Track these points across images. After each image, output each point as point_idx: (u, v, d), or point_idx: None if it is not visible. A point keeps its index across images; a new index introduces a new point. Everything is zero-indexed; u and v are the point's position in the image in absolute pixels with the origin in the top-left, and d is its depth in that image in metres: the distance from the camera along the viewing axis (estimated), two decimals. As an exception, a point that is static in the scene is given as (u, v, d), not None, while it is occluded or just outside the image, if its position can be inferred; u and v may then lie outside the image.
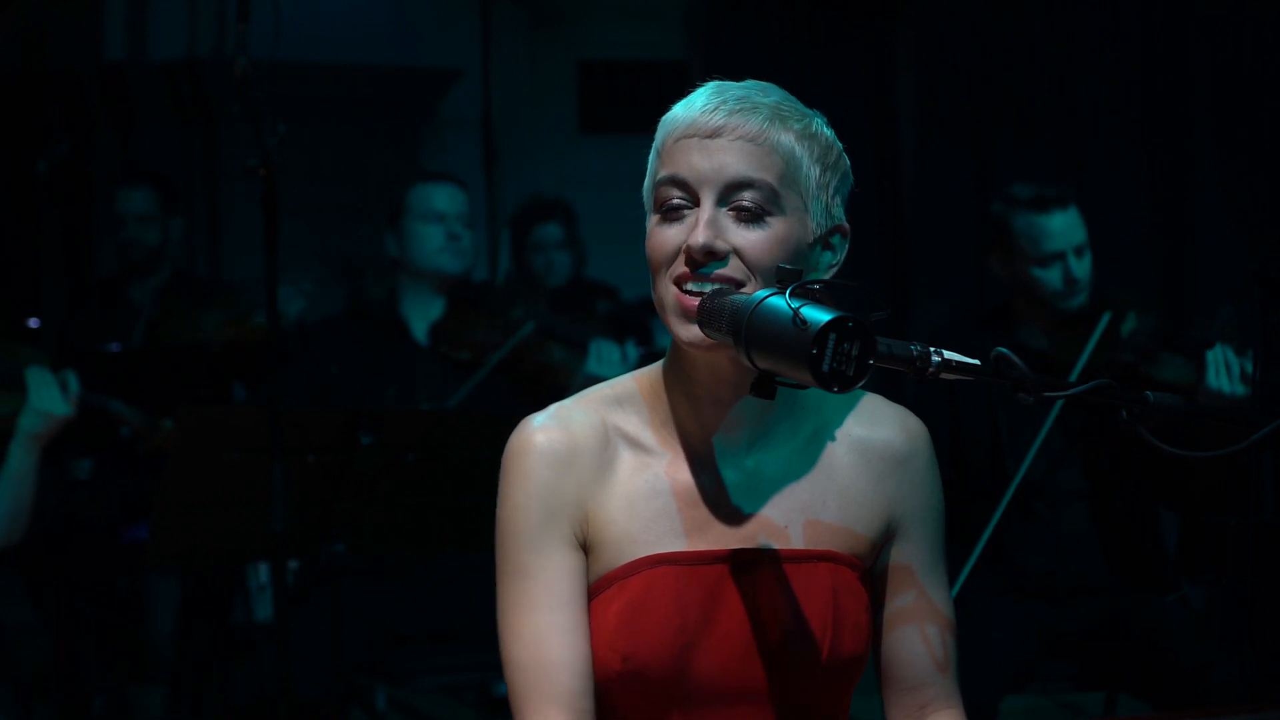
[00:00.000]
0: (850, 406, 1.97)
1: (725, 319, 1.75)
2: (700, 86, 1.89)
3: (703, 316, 1.79)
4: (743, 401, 1.89)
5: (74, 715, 4.53)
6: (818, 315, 1.65)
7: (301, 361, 4.19)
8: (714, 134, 1.83)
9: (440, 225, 4.27)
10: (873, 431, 1.97)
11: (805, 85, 7.14)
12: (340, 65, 6.77)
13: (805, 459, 1.94)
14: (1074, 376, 3.77)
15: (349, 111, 6.80)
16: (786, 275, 1.72)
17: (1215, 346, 3.84)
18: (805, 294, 1.70)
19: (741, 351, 1.72)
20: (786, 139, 1.85)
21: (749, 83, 1.90)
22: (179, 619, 4.78)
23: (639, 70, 7.72)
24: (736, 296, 1.77)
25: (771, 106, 1.86)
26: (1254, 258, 3.09)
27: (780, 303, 1.69)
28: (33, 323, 4.53)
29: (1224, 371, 3.81)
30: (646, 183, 1.90)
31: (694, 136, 1.84)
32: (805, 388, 1.69)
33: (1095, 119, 6.59)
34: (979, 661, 3.71)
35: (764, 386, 1.75)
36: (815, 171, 1.87)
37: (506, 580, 1.90)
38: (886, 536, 1.96)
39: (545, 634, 1.86)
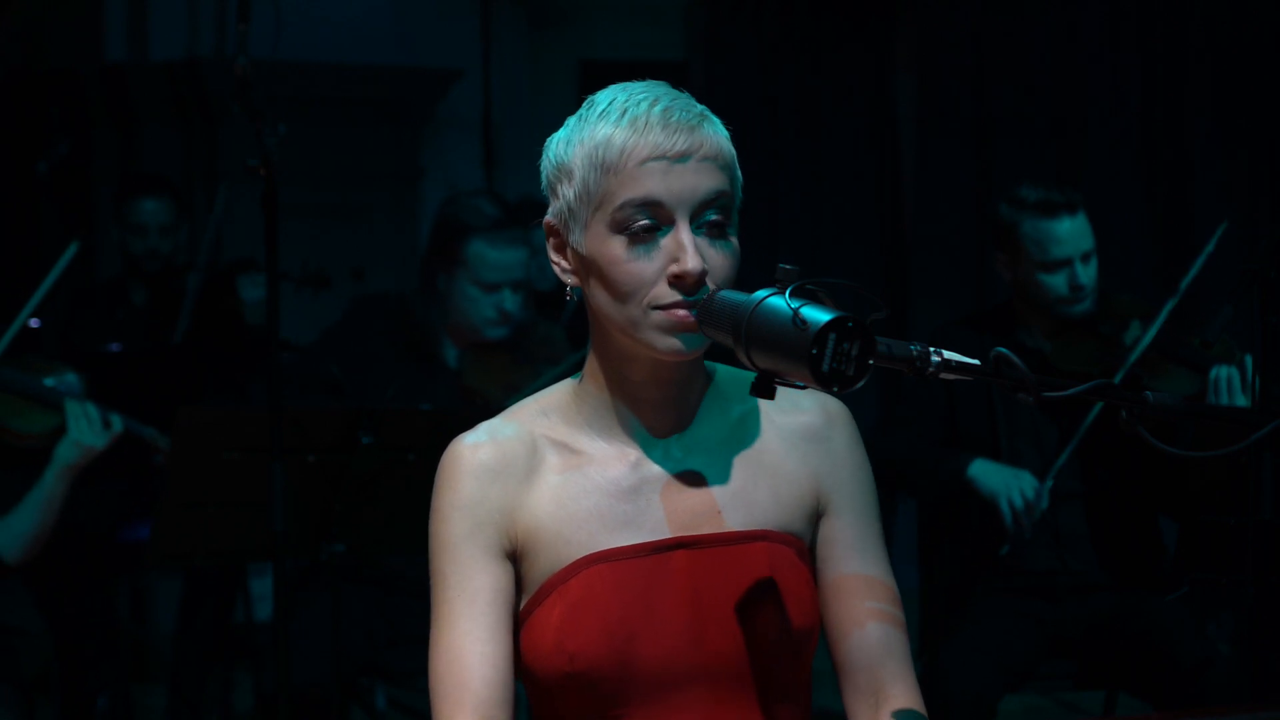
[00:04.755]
0: None
1: (725, 319, 1.76)
2: (607, 98, 1.88)
3: (702, 316, 1.80)
4: (672, 395, 1.93)
5: (76, 715, 4.53)
6: (817, 315, 1.65)
7: (306, 358, 4.16)
8: (682, 156, 1.84)
9: (493, 297, 4.08)
10: (793, 415, 2.00)
11: (805, 85, 7.17)
12: (340, 65, 6.76)
13: (733, 443, 1.96)
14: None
15: (349, 111, 6.79)
16: (786, 275, 1.72)
17: (1219, 366, 3.84)
18: (805, 294, 1.71)
19: (741, 351, 1.73)
20: (727, 145, 1.89)
21: (654, 85, 1.90)
22: (180, 619, 4.79)
23: (639, 70, 7.67)
24: (736, 296, 1.78)
25: (702, 112, 1.88)
26: (1253, 258, 3.09)
27: (780, 303, 1.69)
28: (33, 323, 4.53)
29: (1225, 390, 3.81)
30: (579, 199, 1.88)
31: (662, 159, 1.84)
32: (805, 387, 1.70)
33: (1095, 119, 6.60)
34: (979, 660, 3.72)
35: (763, 387, 1.75)
36: (739, 172, 1.91)
37: (433, 591, 1.93)
38: (817, 513, 1.98)
39: (461, 642, 1.88)
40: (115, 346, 5.02)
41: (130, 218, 5.30)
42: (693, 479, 1.94)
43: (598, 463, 1.93)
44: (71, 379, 4.12)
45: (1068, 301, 3.94)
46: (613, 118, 1.87)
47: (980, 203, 6.63)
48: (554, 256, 1.95)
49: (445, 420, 3.70)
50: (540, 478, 1.92)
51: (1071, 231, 3.92)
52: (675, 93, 1.89)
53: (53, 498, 3.98)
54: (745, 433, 1.97)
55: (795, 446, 1.98)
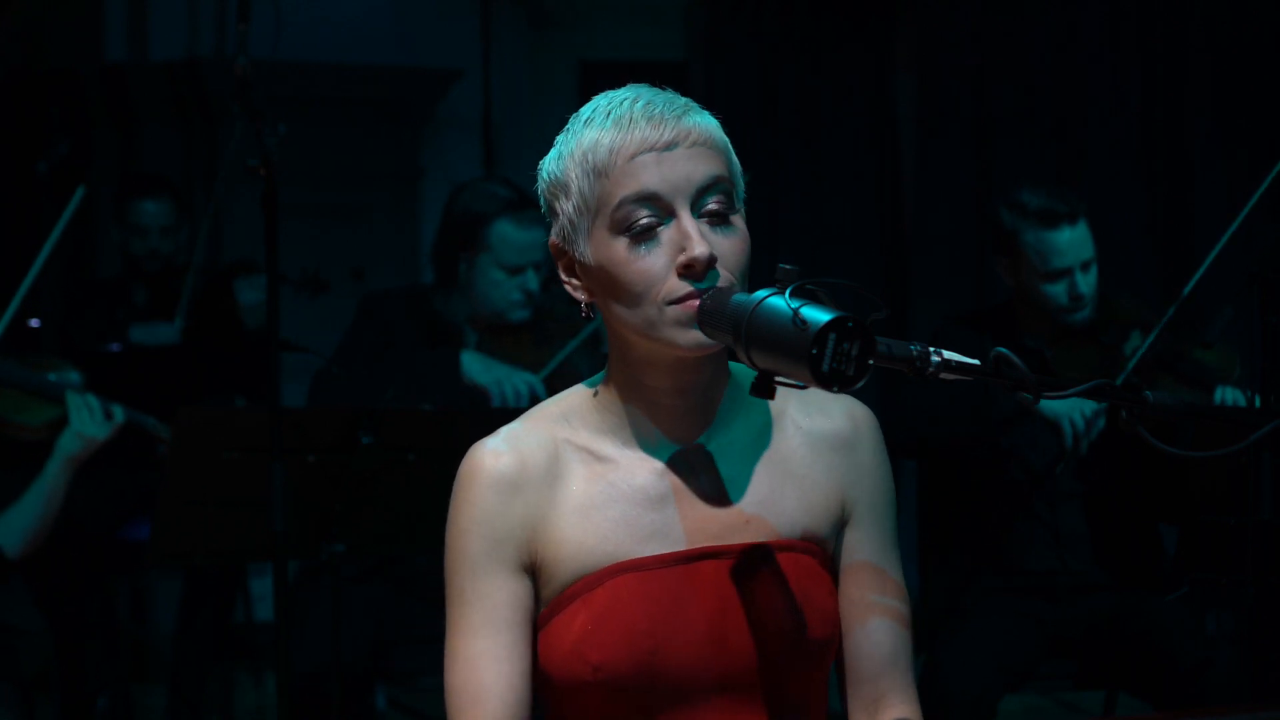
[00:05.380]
0: (798, 399, 1.98)
1: (726, 319, 1.76)
2: (590, 107, 1.88)
3: (703, 317, 1.80)
4: (695, 401, 1.91)
5: (76, 715, 4.53)
6: (817, 315, 1.65)
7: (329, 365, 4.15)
8: (670, 145, 1.83)
9: (517, 279, 4.09)
10: (820, 421, 1.98)
11: (805, 86, 7.17)
12: (340, 65, 6.76)
13: (759, 451, 1.95)
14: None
15: (349, 111, 6.79)
16: (786, 275, 1.72)
17: (1224, 388, 3.85)
18: (805, 294, 1.71)
19: (741, 351, 1.73)
20: (718, 132, 1.88)
21: (635, 87, 1.90)
22: (180, 619, 4.79)
23: (639, 70, 7.65)
24: (736, 296, 1.77)
25: (686, 103, 1.88)
26: (1253, 258, 3.09)
27: (780, 303, 1.69)
28: (33, 323, 4.53)
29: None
30: (578, 210, 1.87)
31: (651, 151, 1.83)
32: (805, 388, 1.70)
33: (1095, 119, 6.59)
34: (979, 660, 3.72)
35: (763, 387, 1.75)
36: (736, 160, 1.90)
37: (449, 605, 1.91)
38: (841, 522, 1.97)
39: (479, 660, 1.87)
40: (115, 346, 5.02)
41: (131, 218, 5.30)
42: (719, 487, 1.92)
43: (623, 470, 1.91)
44: (74, 376, 4.14)
45: (1068, 310, 3.95)
46: (597, 122, 1.86)
47: (980, 203, 6.62)
48: (564, 277, 1.93)
49: (446, 420, 3.71)
50: (564, 485, 1.90)
51: (1072, 241, 3.91)
52: (657, 90, 1.89)
53: (55, 489, 3.99)
54: (771, 438, 1.95)
55: (822, 455, 1.97)
